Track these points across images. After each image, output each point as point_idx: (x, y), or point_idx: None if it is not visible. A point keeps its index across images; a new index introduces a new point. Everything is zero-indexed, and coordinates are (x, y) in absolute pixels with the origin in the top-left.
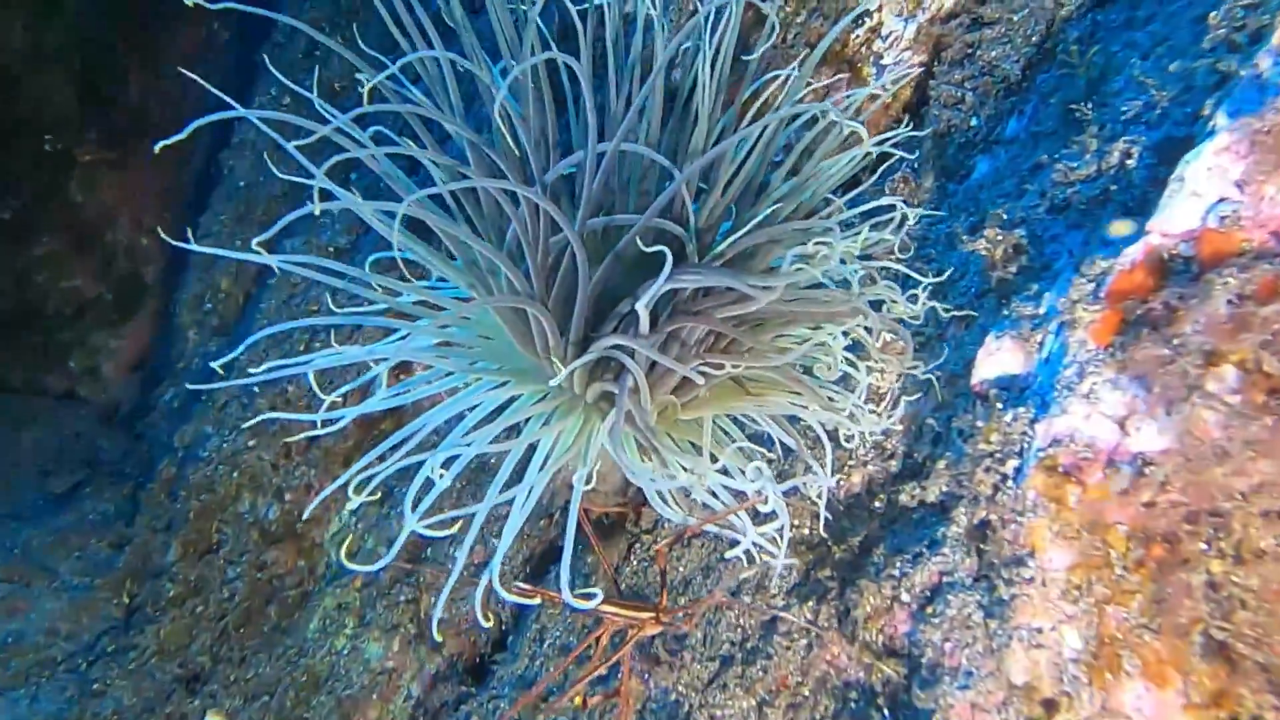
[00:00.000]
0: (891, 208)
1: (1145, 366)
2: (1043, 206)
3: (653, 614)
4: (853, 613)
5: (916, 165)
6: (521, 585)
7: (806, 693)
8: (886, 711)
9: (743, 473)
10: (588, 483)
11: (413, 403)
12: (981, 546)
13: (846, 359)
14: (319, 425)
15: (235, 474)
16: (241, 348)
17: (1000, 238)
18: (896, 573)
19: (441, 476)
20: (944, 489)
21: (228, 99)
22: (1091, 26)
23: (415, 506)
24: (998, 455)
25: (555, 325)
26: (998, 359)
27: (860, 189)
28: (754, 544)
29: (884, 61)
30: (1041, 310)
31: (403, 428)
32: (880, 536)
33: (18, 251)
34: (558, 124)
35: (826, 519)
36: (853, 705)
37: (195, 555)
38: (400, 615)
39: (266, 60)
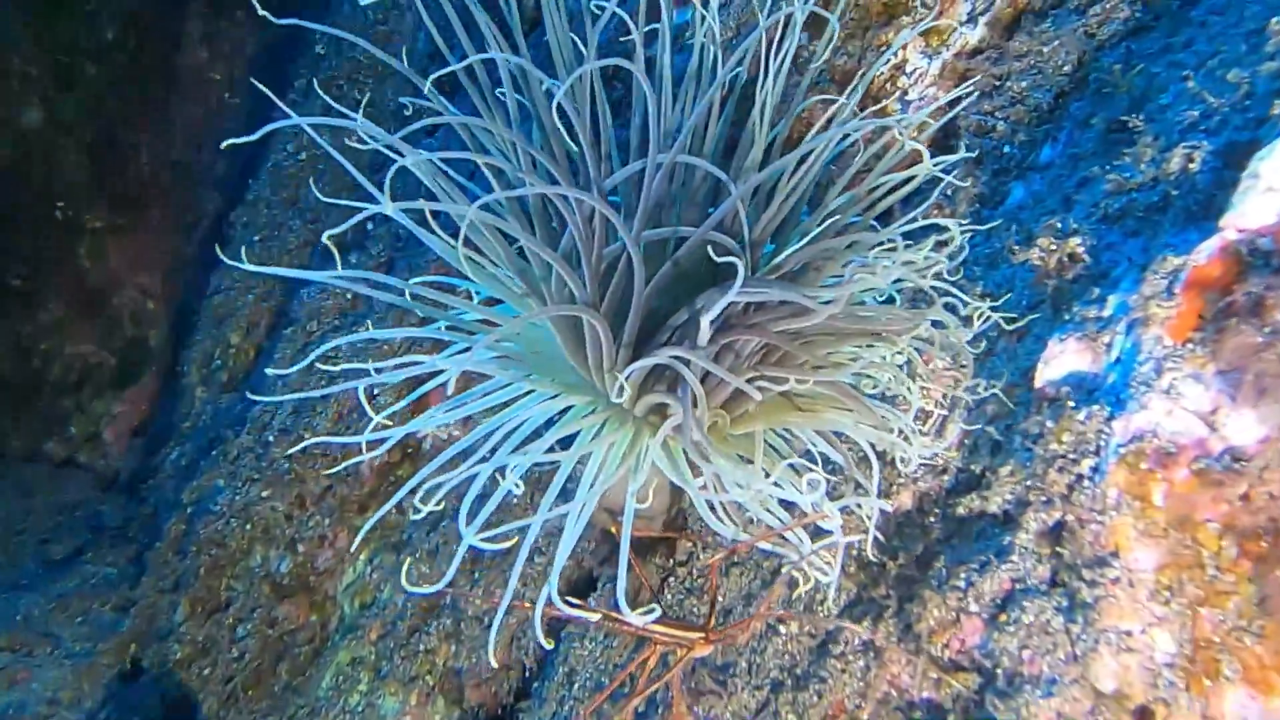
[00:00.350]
0: (938, 228)
1: (1235, 356)
2: (1095, 217)
3: (702, 634)
4: (915, 627)
5: (950, 192)
6: (573, 600)
7: (865, 716)
8: None
9: (797, 488)
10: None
11: (429, 433)
12: (1058, 549)
13: (897, 377)
14: (363, 449)
15: (248, 526)
16: (313, 355)
17: (1054, 247)
18: (962, 583)
19: (495, 489)
20: (1008, 496)
21: (288, 110)
22: (1126, 54)
23: (469, 520)
24: (1071, 455)
25: (609, 332)
26: (1062, 361)
27: (906, 218)
28: (804, 563)
29: (909, 97)
30: (1107, 312)
31: (423, 466)
32: (937, 551)
33: (24, 319)
34: (609, 139)
35: (877, 538)
36: None
37: (203, 614)
38: (419, 666)
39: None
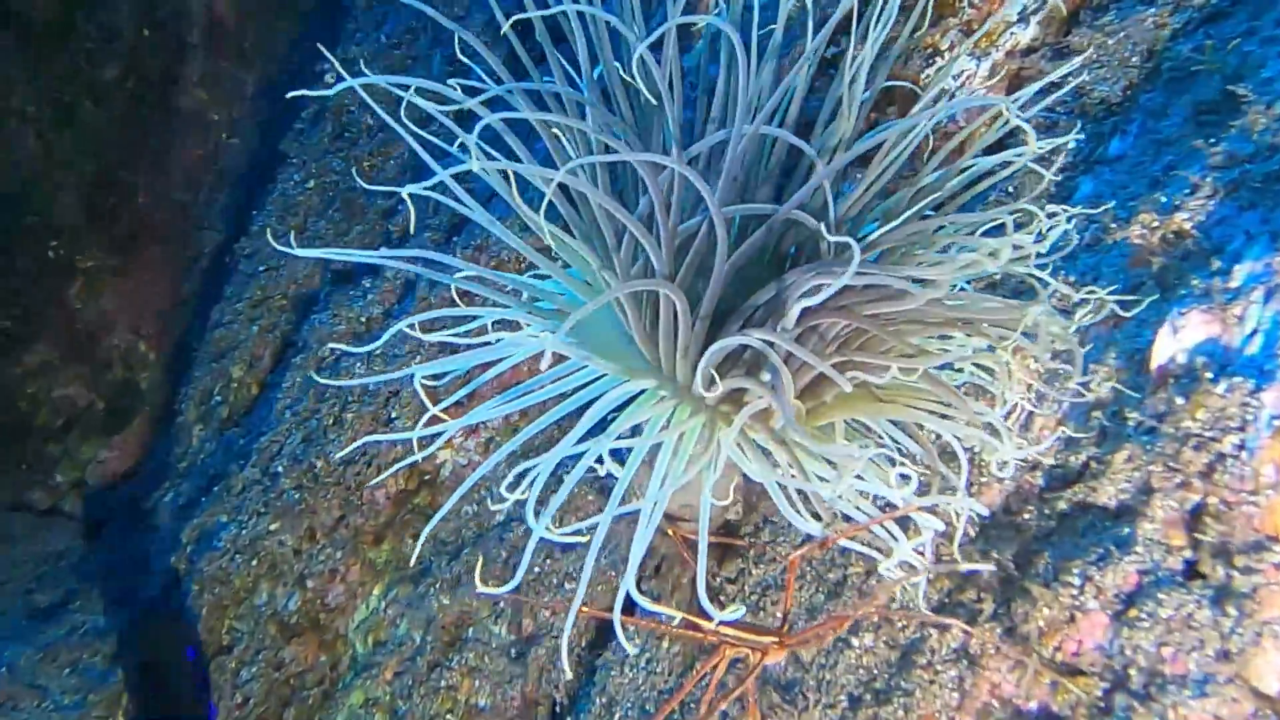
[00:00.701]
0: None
1: None
2: (1202, 193)
3: (775, 638)
4: (1020, 629)
5: (1011, 188)
6: (648, 600)
7: None
8: None
9: (886, 483)
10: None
11: (448, 459)
12: (1196, 535)
13: (978, 369)
14: (415, 446)
15: (254, 562)
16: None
17: (1157, 224)
18: (1076, 579)
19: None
20: (1125, 485)
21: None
22: (1204, 39)
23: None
24: (1208, 433)
25: (687, 306)
26: (1184, 336)
27: (1015, 205)
28: (891, 564)
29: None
30: (1235, 283)
31: (441, 495)
32: (1037, 549)
33: (11, 362)
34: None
35: (960, 541)
36: None
37: (205, 659)
38: (439, 705)
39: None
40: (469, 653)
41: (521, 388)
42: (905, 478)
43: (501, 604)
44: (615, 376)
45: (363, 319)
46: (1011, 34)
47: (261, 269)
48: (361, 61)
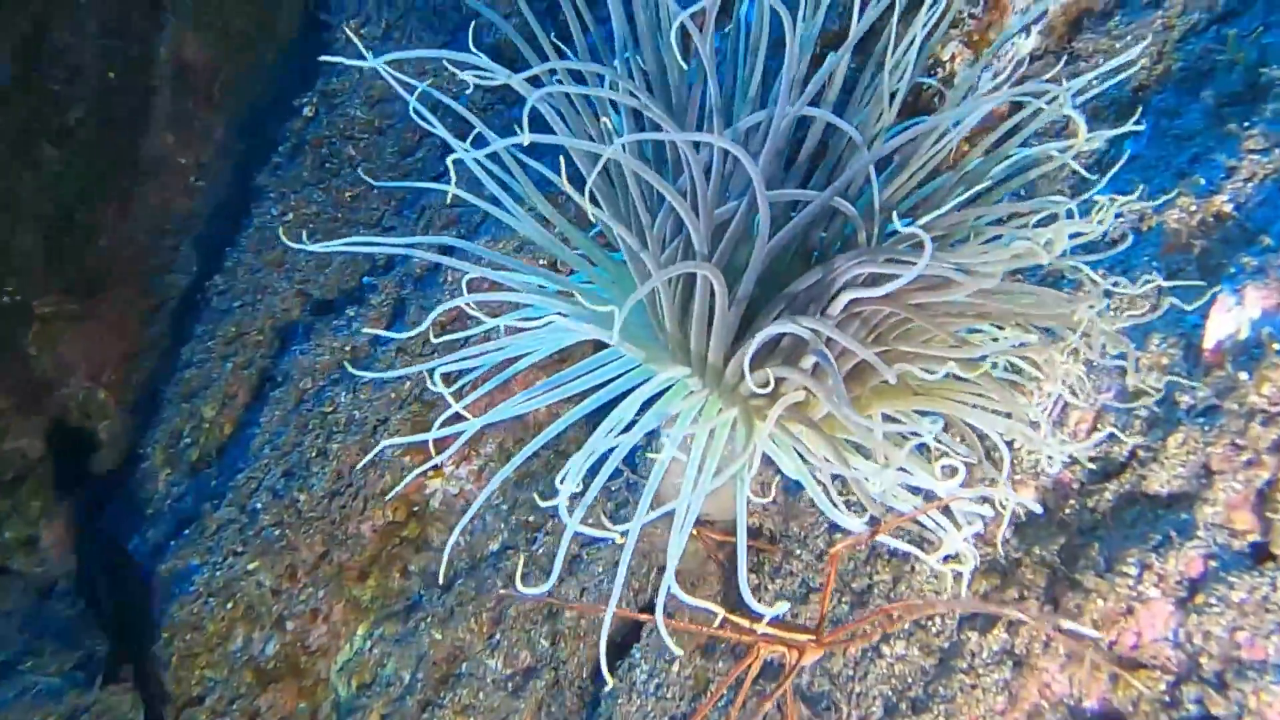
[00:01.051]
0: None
1: None
2: (1239, 176)
3: (812, 636)
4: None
5: (1022, 192)
6: (690, 601)
7: None
8: None
9: (931, 477)
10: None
11: (438, 489)
12: (1268, 515)
13: (1012, 366)
14: (431, 450)
15: (229, 605)
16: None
17: (1195, 207)
18: (1133, 569)
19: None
20: (1180, 470)
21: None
22: (1217, 38)
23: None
24: (1276, 409)
25: (725, 289)
26: (1242, 312)
27: (1082, 195)
28: (933, 559)
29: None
30: None
31: (430, 526)
32: (1084, 543)
33: None
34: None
35: (1005, 538)
36: None
37: (172, 712)
38: None
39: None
40: (463, 689)
41: (543, 385)
42: (951, 470)
43: (498, 636)
44: (645, 367)
45: (348, 348)
46: (1013, 44)
47: (236, 304)
48: (345, 93)
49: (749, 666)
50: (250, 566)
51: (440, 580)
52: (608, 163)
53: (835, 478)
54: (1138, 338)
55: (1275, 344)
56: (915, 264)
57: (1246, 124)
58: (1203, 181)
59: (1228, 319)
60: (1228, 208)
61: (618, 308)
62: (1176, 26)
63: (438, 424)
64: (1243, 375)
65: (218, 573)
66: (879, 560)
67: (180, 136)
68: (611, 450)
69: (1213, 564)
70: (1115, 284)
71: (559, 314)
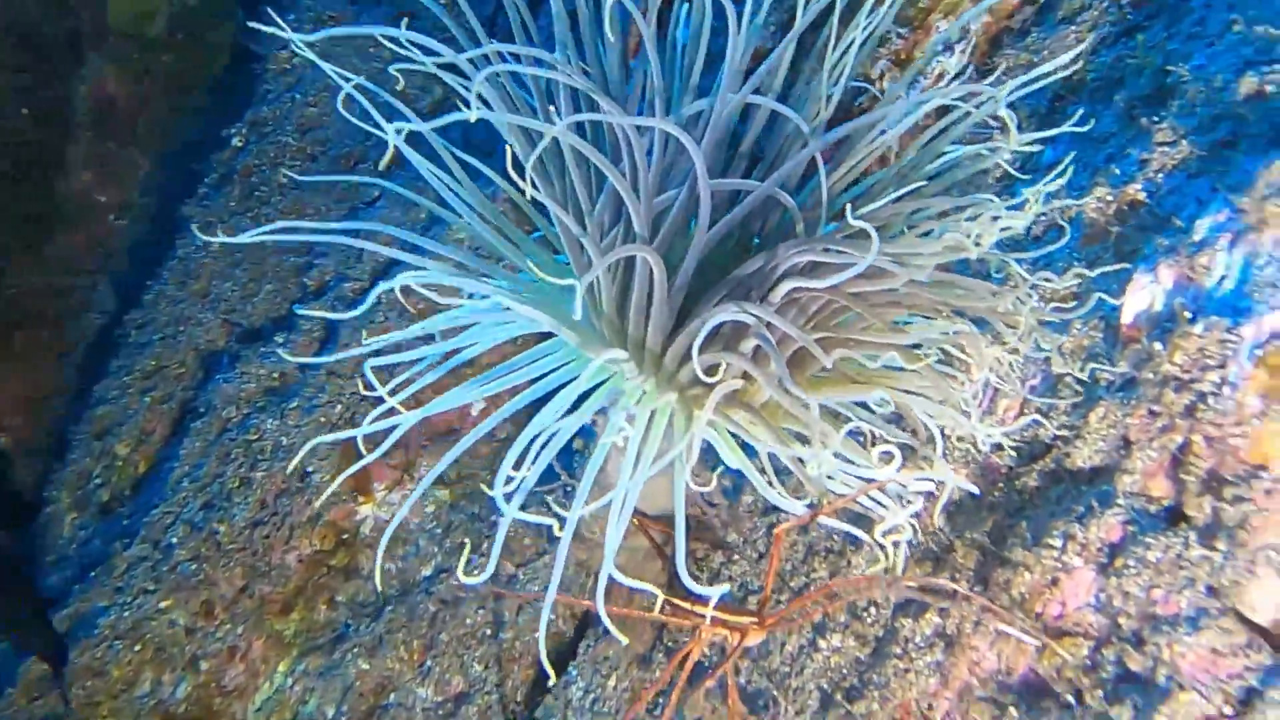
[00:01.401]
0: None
1: None
2: (1150, 168)
3: (754, 618)
4: (999, 601)
5: (954, 191)
6: (629, 582)
7: (944, 712)
8: (1072, 699)
9: (868, 463)
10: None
11: (369, 515)
12: (1182, 476)
13: (944, 356)
14: (361, 448)
15: (137, 648)
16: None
17: (1111, 197)
18: (1057, 541)
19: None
20: (1100, 444)
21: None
22: (1122, 50)
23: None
24: (1188, 375)
25: (665, 274)
26: (1155, 289)
27: (1037, 184)
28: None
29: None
30: (1198, 236)
31: (361, 555)
32: (1010, 524)
33: None
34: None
35: (928, 528)
36: (1016, 708)
37: None
38: None
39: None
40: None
41: (478, 379)
42: (888, 455)
43: (429, 662)
44: (583, 354)
45: (275, 374)
46: (937, 62)
47: (157, 338)
48: (275, 121)
49: (690, 651)
50: (162, 605)
51: (368, 609)
52: (547, 156)
53: (778, 472)
54: (1061, 325)
55: (1186, 313)
56: (854, 255)
57: (1156, 119)
58: (1118, 172)
59: (1143, 295)
60: (1141, 195)
61: (556, 291)
62: (1088, 39)
63: (369, 419)
64: (1157, 346)
65: (125, 613)
66: (816, 558)
67: (100, 174)
68: (554, 435)
69: (1131, 529)
70: (1042, 277)
71: (499, 293)
